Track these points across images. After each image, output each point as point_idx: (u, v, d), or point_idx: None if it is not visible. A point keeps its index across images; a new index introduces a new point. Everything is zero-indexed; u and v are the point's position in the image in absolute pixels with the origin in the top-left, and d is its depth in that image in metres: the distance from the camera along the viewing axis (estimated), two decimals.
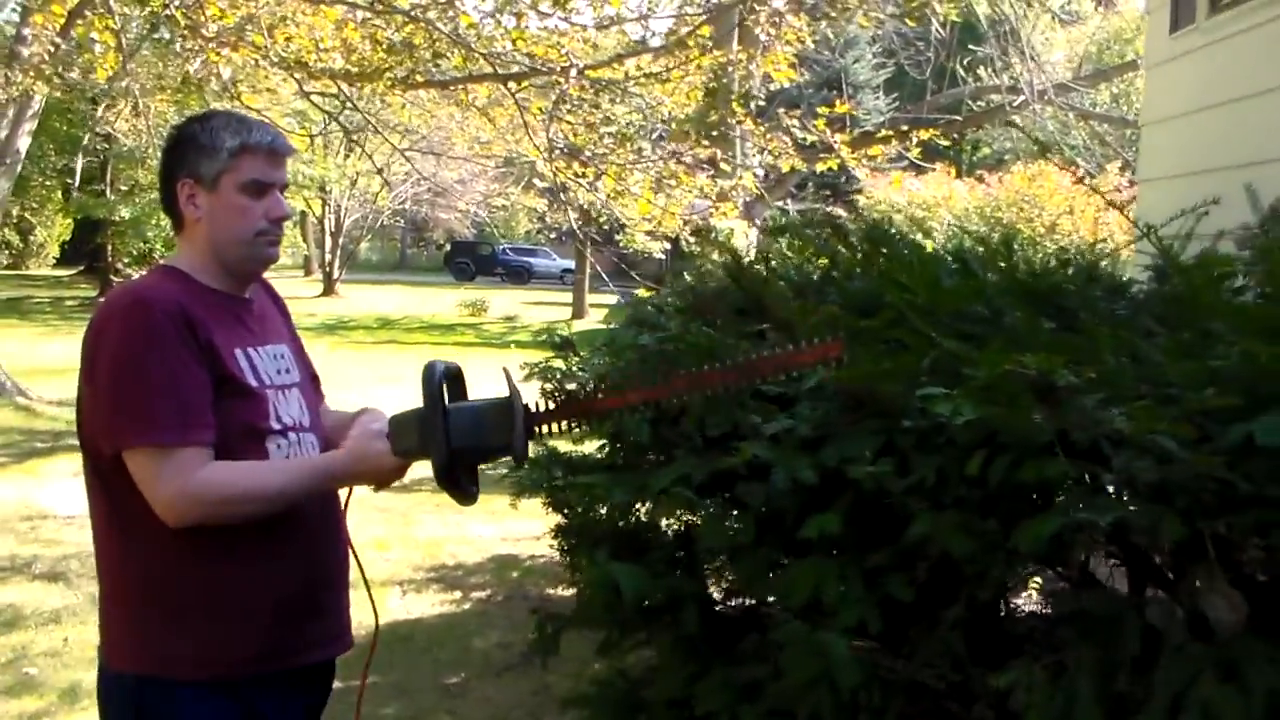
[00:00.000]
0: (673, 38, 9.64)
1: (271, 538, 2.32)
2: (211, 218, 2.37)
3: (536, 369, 3.12)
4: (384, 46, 8.84)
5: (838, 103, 10.22)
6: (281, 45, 8.78)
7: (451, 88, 9.52)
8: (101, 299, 3.46)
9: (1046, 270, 2.70)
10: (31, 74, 10.35)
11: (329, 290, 34.62)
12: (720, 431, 2.30)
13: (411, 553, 7.46)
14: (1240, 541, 1.79)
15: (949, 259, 2.92)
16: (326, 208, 34.97)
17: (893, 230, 3.12)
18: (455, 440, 2.23)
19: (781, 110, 10.23)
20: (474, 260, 47.12)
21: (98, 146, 28.82)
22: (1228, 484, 1.71)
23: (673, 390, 2.15)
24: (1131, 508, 1.78)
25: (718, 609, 2.51)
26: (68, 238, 37.24)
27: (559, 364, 3.06)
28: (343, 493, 2.53)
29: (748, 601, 2.48)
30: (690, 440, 2.36)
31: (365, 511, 8.01)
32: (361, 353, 20.85)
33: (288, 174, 2.49)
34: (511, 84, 8.70)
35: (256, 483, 2.28)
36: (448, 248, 49.86)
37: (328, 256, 36.05)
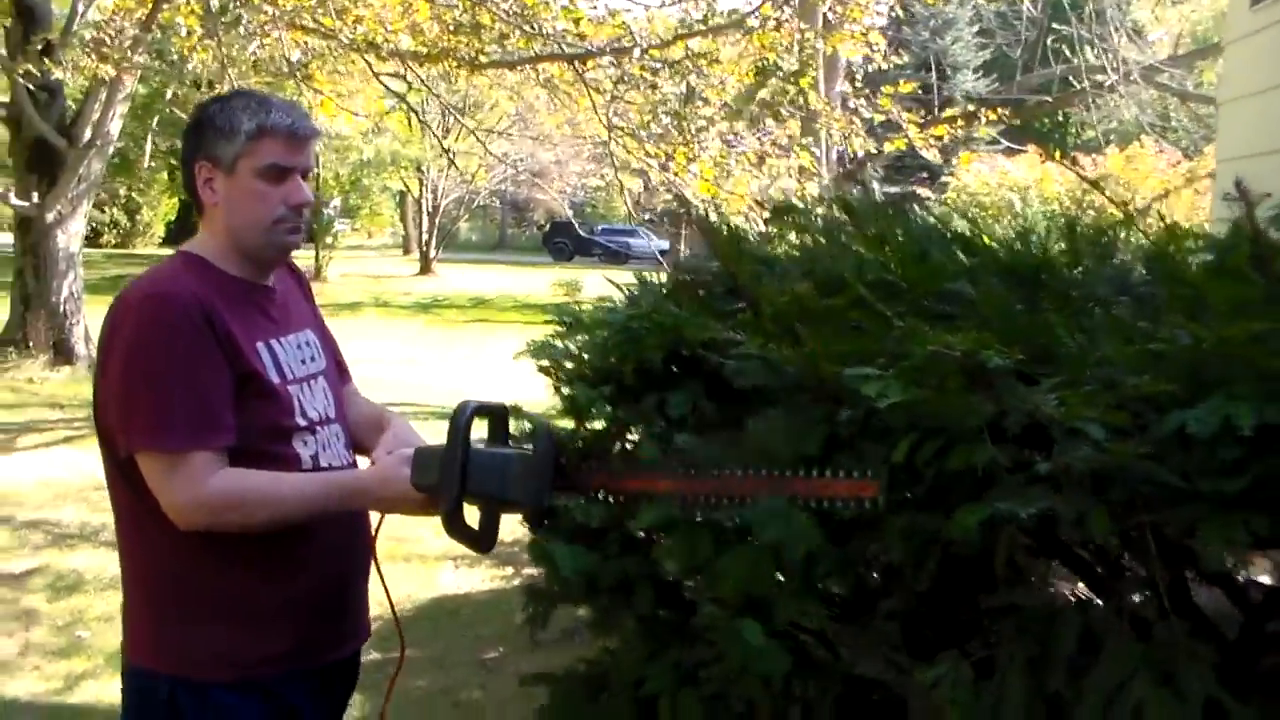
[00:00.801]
0: (734, 15, 9.54)
1: (299, 538, 2.28)
2: (229, 203, 2.28)
3: (534, 345, 3.06)
4: (450, 27, 8.88)
5: (901, 83, 10.05)
6: (350, 27, 8.84)
7: (518, 68, 9.51)
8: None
9: (1036, 249, 2.59)
10: (110, 59, 10.51)
11: (425, 269, 34.95)
12: (679, 414, 2.25)
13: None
14: (1178, 539, 1.69)
15: (948, 237, 2.82)
16: (424, 187, 35.28)
17: (928, 213, 3.04)
18: (472, 486, 2.19)
19: (848, 88, 10.10)
20: (572, 240, 47.20)
21: None
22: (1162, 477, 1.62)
23: (703, 490, 2.07)
24: (1060, 499, 1.69)
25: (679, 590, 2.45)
26: (173, 217, 38.01)
27: (559, 343, 3.01)
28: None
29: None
30: (651, 424, 2.30)
31: None
32: (453, 330, 21.03)
33: (312, 158, 2.41)
34: (578, 63, 8.69)
35: (271, 497, 2.21)
36: (547, 228, 50.07)
37: (424, 236, 36.38)
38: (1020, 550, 1.75)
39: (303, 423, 2.32)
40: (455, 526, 2.23)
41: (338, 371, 2.58)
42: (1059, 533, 1.70)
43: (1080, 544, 1.88)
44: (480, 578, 6.69)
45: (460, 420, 2.21)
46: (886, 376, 1.80)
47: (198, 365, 2.16)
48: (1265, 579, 2.22)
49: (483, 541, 2.32)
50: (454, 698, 5.00)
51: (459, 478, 2.18)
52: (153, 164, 33.21)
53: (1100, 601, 1.96)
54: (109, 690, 4.88)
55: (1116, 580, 1.90)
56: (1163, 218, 2.53)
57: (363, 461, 2.52)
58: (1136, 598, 1.84)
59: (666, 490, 2.13)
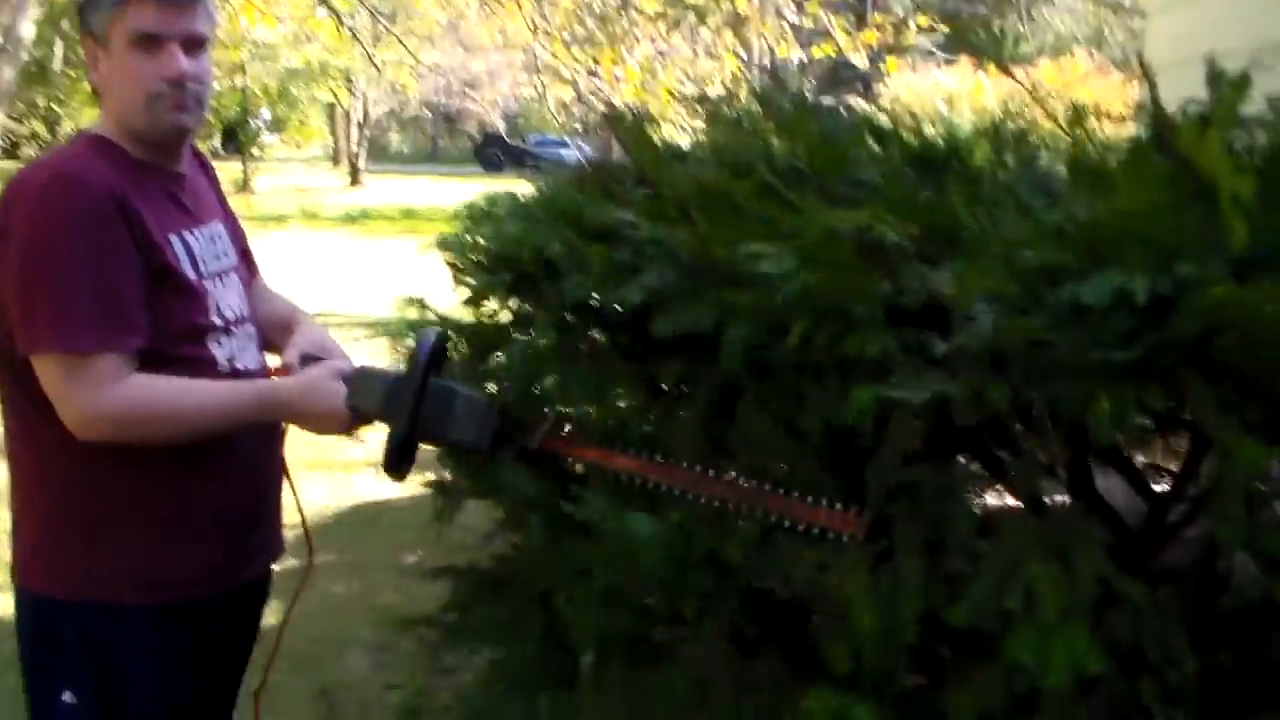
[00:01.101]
0: None
1: (216, 450, 2.13)
2: (109, 82, 2.06)
3: (440, 238, 2.98)
4: None
5: None
6: None
7: None
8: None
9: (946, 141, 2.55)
10: None
11: (355, 181, 34.54)
12: (576, 301, 2.19)
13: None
14: (1074, 416, 1.66)
15: (863, 129, 2.77)
16: (353, 98, 34.71)
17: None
18: (422, 423, 2.09)
19: None
20: (504, 152, 46.73)
21: None
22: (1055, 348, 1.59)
23: (667, 478, 1.97)
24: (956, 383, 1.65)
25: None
26: None
27: (468, 236, 2.94)
28: None
29: None
30: (553, 312, 2.25)
31: None
32: (382, 241, 20.83)
33: (201, 24, 2.09)
34: None
35: (183, 409, 2.04)
36: (479, 140, 49.57)
37: (354, 148, 35.87)
38: (914, 435, 1.71)
39: (218, 322, 2.15)
40: (398, 459, 2.15)
41: (246, 266, 2.41)
42: (954, 417, 1.67)
43: (981, 426, 1.85)
44: (398, 485, 6.64)
45: (422, 350, 2.10)
46: (781, 253, 1.75)
47: (109, 257, 1.95)
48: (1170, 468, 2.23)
49: (404, 472, 2.22)
50: (370, 601, 4.97)
51: (410, 410, 2.07)
52: (72, 73, 32.43)
53: (999, 485, 1.94)
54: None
55: (1015, 461, 1.88)
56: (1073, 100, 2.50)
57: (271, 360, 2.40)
58: (1037, 483, 1.82)
59: (623, 468, 2.02)
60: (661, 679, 2.04)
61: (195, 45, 2.08)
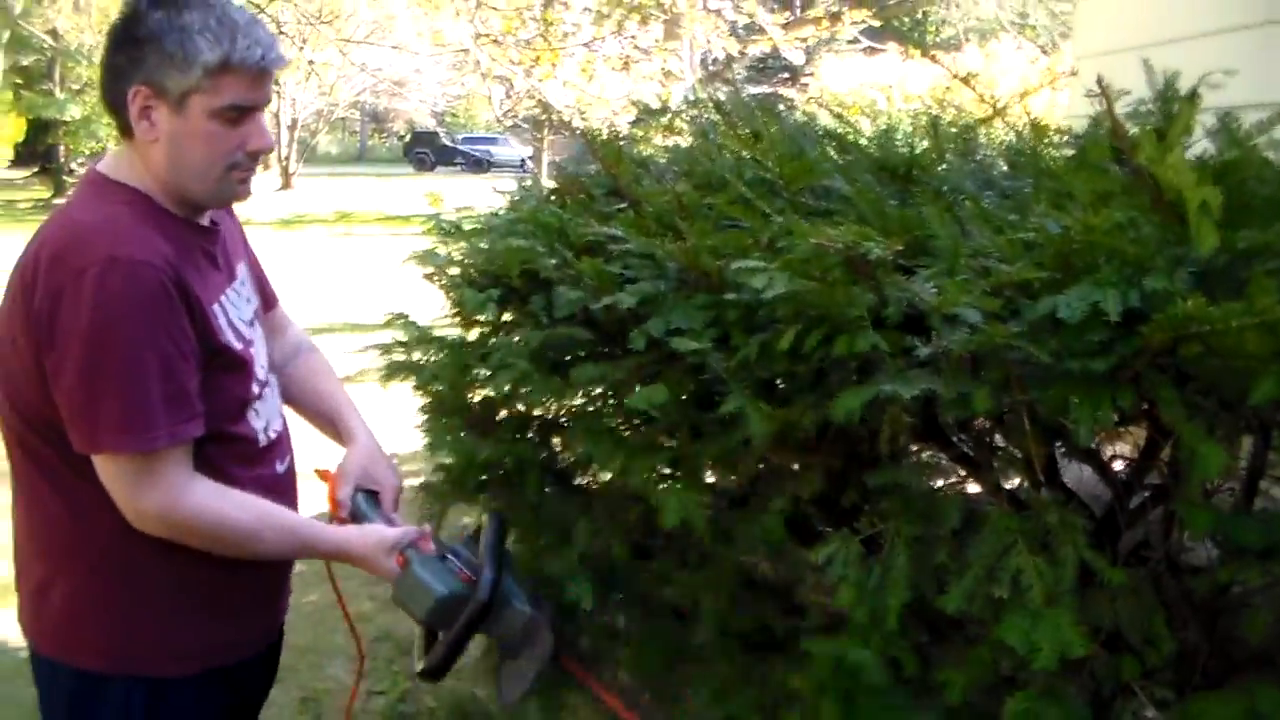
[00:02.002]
0: None
1: None
2: (173, 143, 1.87)
3: (418, 254, 3.04)
4: None
5: None
6: None
7: None
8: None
9: (904, 146, 2.67)
10: None
11: (286, 184, 34.28)
12: (567, 313, 2.27)
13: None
14: (1050, 416, 1.78)
15: (820, 135, 2.88)
16: (281, 100, 34.42)
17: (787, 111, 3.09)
18: (492, 630, 2.04)
19: None
20: (433, 150, 46.59)
21: (43, 45, 28.23)
22: (1036, 358, 1.70)
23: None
24: (941, 381, 1.76)
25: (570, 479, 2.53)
26: (21, 139, 36.51)
27: (441, 249, 3.01)
28: None
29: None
30: (536, 319, 2.34)
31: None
32: (317, 243, 20.76)
33: (270, 90, 1.96)
34: None
35: (252, 535, 1.93)
36: (408, 139, 49.38)
37: (284, 150, 35.59)
38: (904, 431, 1.82)
39: (255, 389, 2.04)
40: (438, 673, 2.05)
41: (262, 298, 2.28)
42: (939, 414, 1.78)
43: (957, 426, 1.96)
44: None
45: (483, 588, 1.99)
46: (771, 269, 1.85)
47: (171, 348, 1.82)
48: (1127, 455, 2.35)
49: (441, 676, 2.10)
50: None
51: (459, 632, 1.99)
52: None
53: (977, 482, 2.05)
54: (8, 624, 4.79)
55: (991, 459, 1.99)
56: (1027, 112, 2.62)
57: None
58: (1012, 477, 1.93)
59: None
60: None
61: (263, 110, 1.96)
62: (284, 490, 2.10)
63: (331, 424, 2.28)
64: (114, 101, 1.89)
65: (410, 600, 2.00)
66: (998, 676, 1.85)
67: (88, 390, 1.80)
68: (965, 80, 2.56)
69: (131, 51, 1.85)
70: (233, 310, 2.01)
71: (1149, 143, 1.73)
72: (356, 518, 2.12)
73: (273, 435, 2.08)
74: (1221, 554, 1.91)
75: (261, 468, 2.03)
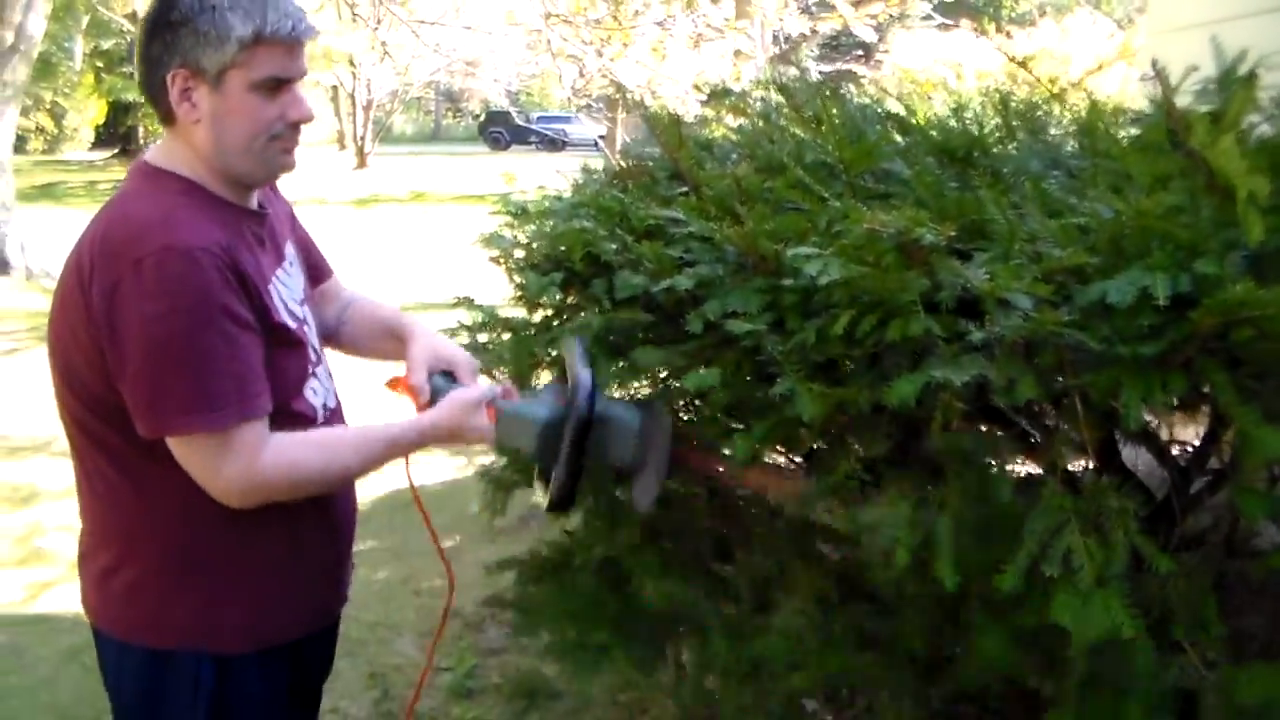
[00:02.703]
0: None
1: (316, 499, 2.09)
2: (215, 121, 1.94)
3: (485, 236, 3.09)
4: None
5: None
6: None
7: None
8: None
9: (972, 125, 2.67)
10: None
11: (361, 163, 34.65)
12: (628, 296, 2.30)
13: None
14: (1102, 401, 1.79)
15: (882, 117, 2.89)
16: (357, 80, 34.75)
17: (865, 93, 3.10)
18: (589, 456, 2.00)
19: None
20: (508, 129, 46.76)
21: (123, 29, 28.65)
22: (1086, 344, 1.71)
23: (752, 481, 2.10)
24: (992, 366, 1.78)
25: None
26: (102, 121, 37.18)
27: (508, 233, 3.06)
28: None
29: None
30: (599, 302, 2.37)
31: (379, 380, 8.14)
32: (392, 222, 20.97)
33: (306, 61, 2.03)
34: None
35: (332, 464, 2.01)
36: (482, 118, 49.60)
37: (359, 130, 35.95)
38: (957, 416, 1.84)
39: (311, 365, 2.12)
40: (565, 504, 2.06)
41: (316, 269, 2.38)
42: (992, 399, 1.79)
43: (1014, 409, 1.97)
44: (435, 469, 6.77)
45: (581, 392, 1.99)
46: (825, 255, 1.87)
47: (234, 328, 1.88)
48: (1190, 440, 2.35)
49: (570, 509, 2.12)
50: (414, 586, 5.10)
51: (570, 454, 1.98)
52: (78, 66, 32.47)
53: (1034, 463, 2.07)
54: (73, 598, 4.94)
55: (1048, 441, 2.00)
56: (1087, 92, 2.61)
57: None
58: (1070, 458, 1.94)
59: (758, 483, 2.14)
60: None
61: (301, 81, 2.03)
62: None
63: (392, 336, 2.34)
64: (154, 91, 1.96)
65: (514, 439, 2.03)
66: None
67: (154, 376, 1.85)
68: (1021, 63, 2.55)
69: (166, 36, 1.91)
70: (285, 290, 2.07)
71: (1202, 126, 1.73)
72: (437, 399, 2.12)
73: (328, 412, 2.16)
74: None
75: None
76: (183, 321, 1.83)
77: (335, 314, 2.42)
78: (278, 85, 1.95)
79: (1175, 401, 2.00)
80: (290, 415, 2.02)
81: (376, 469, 2.06)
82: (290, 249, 2.21)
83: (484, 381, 2.18)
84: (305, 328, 2.11)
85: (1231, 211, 1.70)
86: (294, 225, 2.33)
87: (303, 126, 2.03)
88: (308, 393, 2.09)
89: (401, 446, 2.07)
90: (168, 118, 1.98)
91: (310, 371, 2.11)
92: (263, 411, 1.91)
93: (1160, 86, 1.94)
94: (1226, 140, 1.66)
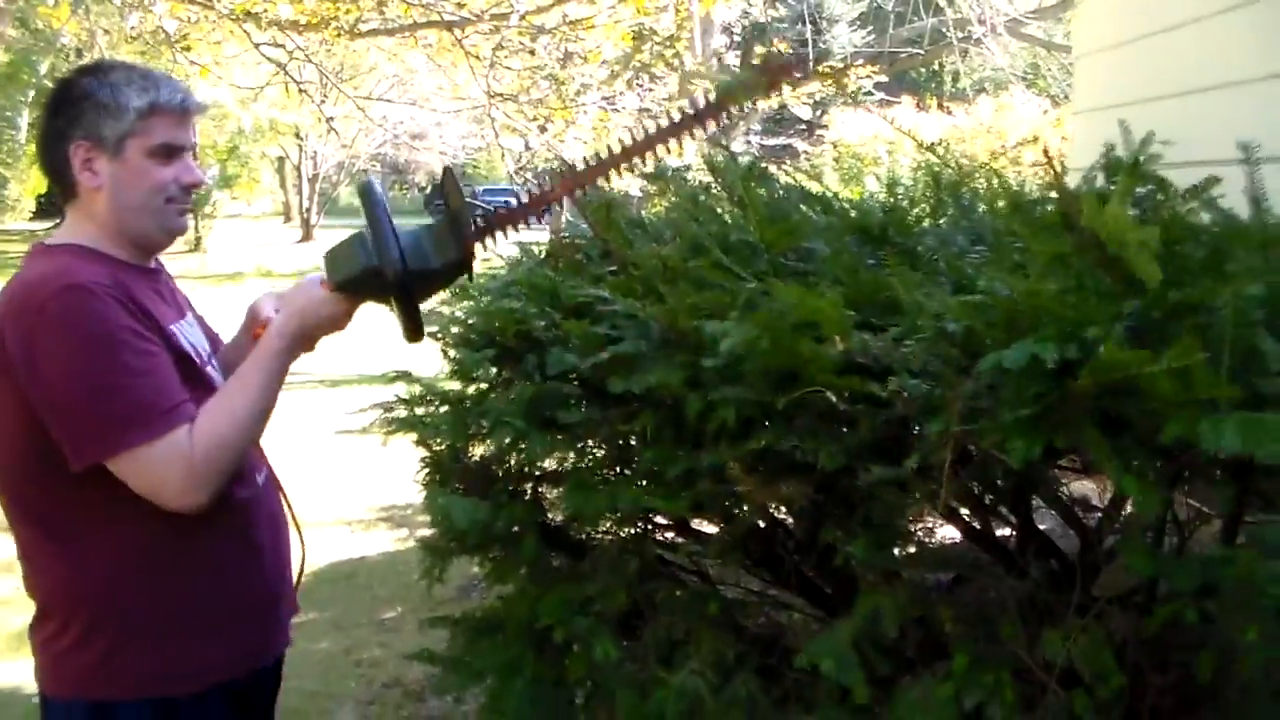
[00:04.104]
0: None
1: (241, 535, 2.22)
2: (115, 186, 2.12)
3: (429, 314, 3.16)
4: None
5: (774, 41, 10.28)
6: None
7: (398, 35, 9.51)
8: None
9: (904, 201, 2.81)
10: None
11: (307, 235, 34.72)
12: (558, 372, 2.40)
13: (365, 493, 7.55)
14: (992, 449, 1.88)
15: (808, 198, 3.02)
16: (303, 153, 34.89)
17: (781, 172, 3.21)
18: (408, 262, 2.14)
19: (722, 48, 10.27)
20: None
21: None
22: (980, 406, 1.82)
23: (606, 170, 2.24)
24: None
25: (562, 534, 2.64)
26: (43, 190, 36.89)
27: (446, 309, 3.14)
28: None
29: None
30: (530, 376, 2.46)
31: (319, 454, 8.23)
32: None
33: (197, 134, 2.26)
34: (457, 30, 8.74)
35: (235, 409, 2.10)
36: (428, 190, 49.80)
37: (305, 202, 36.02)
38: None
39: None
40: (409, 294, 2.20)
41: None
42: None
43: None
44: (376, 541, 6.81)
45: (376, 192, 2.20)
46: (742, 331, 1.98)
47: (144, 344, 2.03)
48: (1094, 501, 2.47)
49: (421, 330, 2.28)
50: (355, 657, 5.13)
51: (396, 243, 2.14)
52: (19, 136, 32.36)
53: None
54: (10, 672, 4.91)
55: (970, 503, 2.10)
56: (996, 174, 2.75)
57: None
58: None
59: (577, 185, 2.29)
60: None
61: (193, 152, 2.24)
62: (263, 500, 2.33)
63: (246, 328, 2.45)
64: (57, 165, 2.15)
65: (341, 268, 2.20)
66: (960, 714, 1.96)
67: (82, 404, 1.99)
68: (929, 148, 2.68)
69: (69, 112, 2.12)
70: (189, 335, 2.24)
71: (1090, 206, 1.84)
72: None
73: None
74: (1165, 594, 2.02)
75: (238, 484, 2.19)
76: (96, 348, 1.98)
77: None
78: (170, 152, 2.15)
79: (1079, 464, 2.13)
80: None
81: (274, 391, 2.18)
82: (191, 317, 2.35)
83: None
84: (208, 369, 2.25)
85: (1121, 283, 1.82)
86: (190, 305, 2.44)
87: (196, 191, 2.25)
88: None
89: (273, 356, 2.20)
90: (69, 191, 2.17)
91: None
92: (188, 415, 2.04)
93: (1053, 174, 2.08)
94: (1114, 207, 1.77)
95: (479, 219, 2.28)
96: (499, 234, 2.32)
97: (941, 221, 2.89)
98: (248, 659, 2.28)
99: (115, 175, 2.13)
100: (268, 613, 2.34)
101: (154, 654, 2.13)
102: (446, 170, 2.39)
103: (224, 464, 2.07)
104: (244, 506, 2.24)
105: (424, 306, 2.32)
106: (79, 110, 2.12)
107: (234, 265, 26.14)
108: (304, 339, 2.26)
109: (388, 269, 2.15)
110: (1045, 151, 1.99)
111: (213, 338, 2.47)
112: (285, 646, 2.43)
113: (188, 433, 2.02)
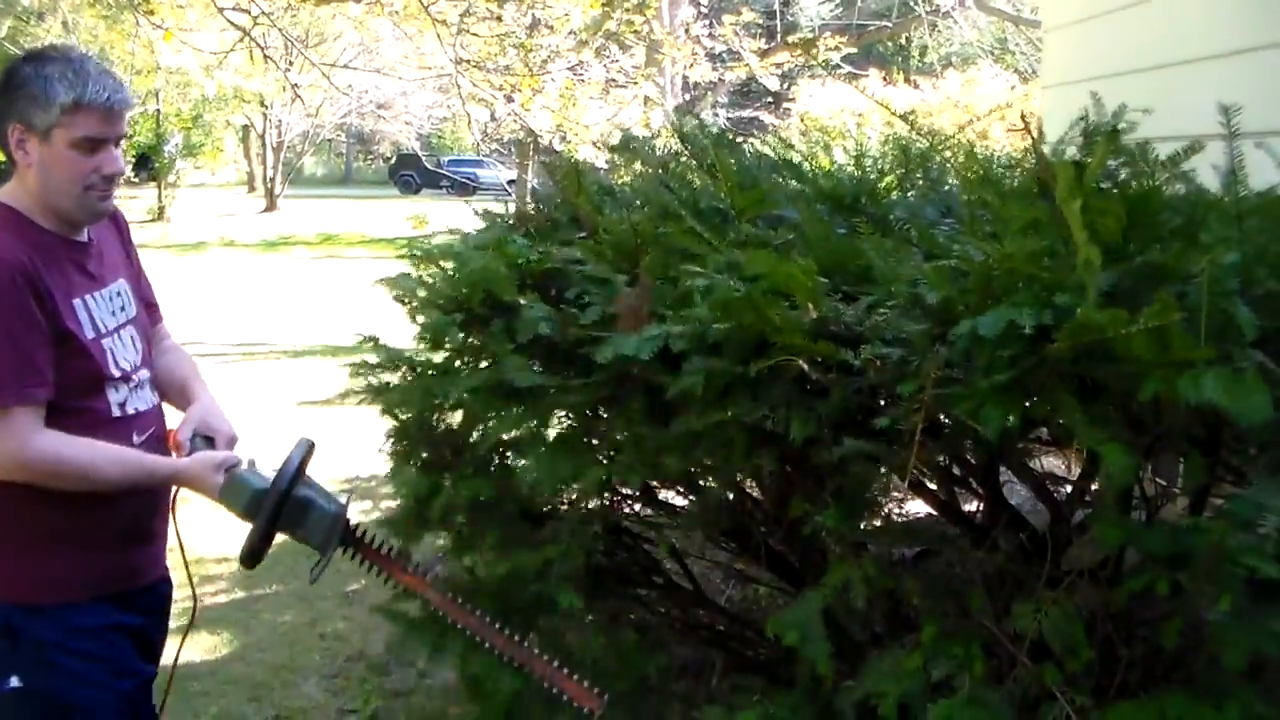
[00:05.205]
0: None
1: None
2: (42, 168, 2.32)
3: (389, 279, 3.14)
4: None
5: (743, 11, 10.23)
6: None
7: (364, 0, 9.42)
8: None
9: (873, 173, 2.78)
10: None
11: (271, 205, 34.38)
12: (527, 337, 2.37)
13: (328, 465, 7.47)
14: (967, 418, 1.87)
15: (779, 165, 2.99)
16: (268, 122, 34.58)
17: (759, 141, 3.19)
18: (280, 526, 2.34)
19: (690, 19, 10.22)
20: (419, 173, 46.63)
21: None
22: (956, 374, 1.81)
23: (462, 620, 2.35)
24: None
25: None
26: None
27: (412, 274, 3.10)
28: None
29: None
30: (499, 343, 2.43)
31: (281, 425, 8.16)
32: (301, 265, 20.84)
33: (125, 125, 2.42)
34: None
35: (88, 470, 2.31)
36: (393, 161, 49.46)
37: (269, 172, 35.72)
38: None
39: (115, 374, 2.41)
40: (252, 559, 2.38)
41: (147, 313, 2.67)
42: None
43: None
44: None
45: (286, 471, 2.34)
46: (714, 301, 1.96)
47: (21, 324, 2.23)
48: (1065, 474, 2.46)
49: (255, 564, 2.44)
50: (320, 629, 5.08)
51: (267, 519, 2.32)
52: None
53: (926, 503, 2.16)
54: None
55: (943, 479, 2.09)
56: (969, 145, 2.73)
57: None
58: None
59: (432, 601, 2.41)
60: None
61: (119, 142, 2.39)
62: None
63: (181, 394, 2.65)
64: (1, 137, 2.34)
65: (232, 500, 2.35)
66: (928, 685, 1.95)
67: None
68: (904, 117, 2.66)
69: (10, 95, 2.31)
70: (95, 309, 2.40)
71: (1066, 177, 1.83)
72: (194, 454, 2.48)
73: (130, 411, 2.45)
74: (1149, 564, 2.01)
75: (113, 438, 2.36)
76: None
77: (155, 356, 2.67)
78: (94, 145, 2.32)
79: (1048, 435, 2.11)
80: (77, 410, 2.32)
81: (130, 487, 2.36)
82: (120, 284, 2.53)
83: (239, 452, 2.49)
84: (103, 342, 2.40)
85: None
86: (133, 267, 2.66)
87: (118, 177, 2.40)
88: (108, 392, 2.39)
89: (156, 477, 2.43)
90: (9, 161, 2.36)
91: (112, 376, 2.39)
92: (38, 400, 2.24)
93: (1031, 141, 2.06)
94: (1074, 205, 1.75)
95: (355, 533, 2.44)
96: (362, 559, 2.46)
97: (910, 193, 2.87)
98: (95, 584, 2.42)
99: (43, 158, 2.32)
100: (141, 542, 2.52)
101: (28, 565, 2.35)
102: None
103: (45, 478, 2.27)
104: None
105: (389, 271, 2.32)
106: (15, 97, 2.30)
107: (197, 235, 25.92)
108: (180, 485, 2.47)
109: (250, 536, 2.34)
110: (1023, 116, 1.96)
111: (149, 303, 2.69)
112: (146, 586, 2.56)
113: (31, 415, 2.23)
